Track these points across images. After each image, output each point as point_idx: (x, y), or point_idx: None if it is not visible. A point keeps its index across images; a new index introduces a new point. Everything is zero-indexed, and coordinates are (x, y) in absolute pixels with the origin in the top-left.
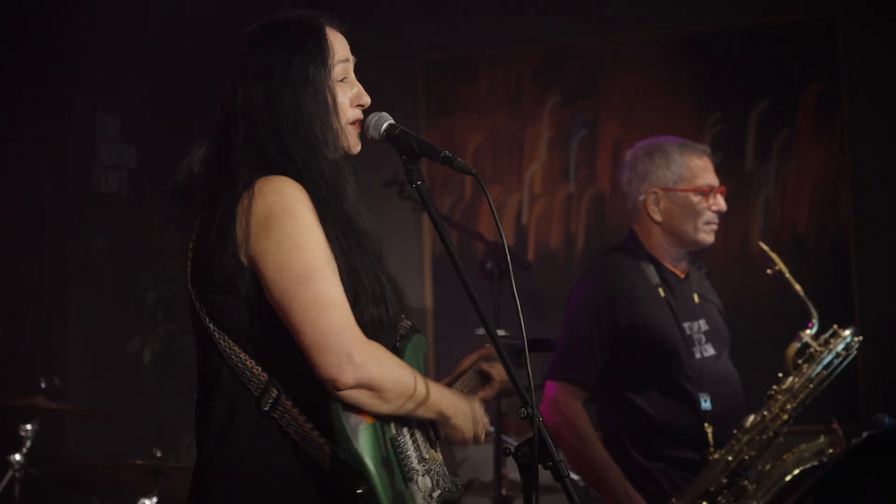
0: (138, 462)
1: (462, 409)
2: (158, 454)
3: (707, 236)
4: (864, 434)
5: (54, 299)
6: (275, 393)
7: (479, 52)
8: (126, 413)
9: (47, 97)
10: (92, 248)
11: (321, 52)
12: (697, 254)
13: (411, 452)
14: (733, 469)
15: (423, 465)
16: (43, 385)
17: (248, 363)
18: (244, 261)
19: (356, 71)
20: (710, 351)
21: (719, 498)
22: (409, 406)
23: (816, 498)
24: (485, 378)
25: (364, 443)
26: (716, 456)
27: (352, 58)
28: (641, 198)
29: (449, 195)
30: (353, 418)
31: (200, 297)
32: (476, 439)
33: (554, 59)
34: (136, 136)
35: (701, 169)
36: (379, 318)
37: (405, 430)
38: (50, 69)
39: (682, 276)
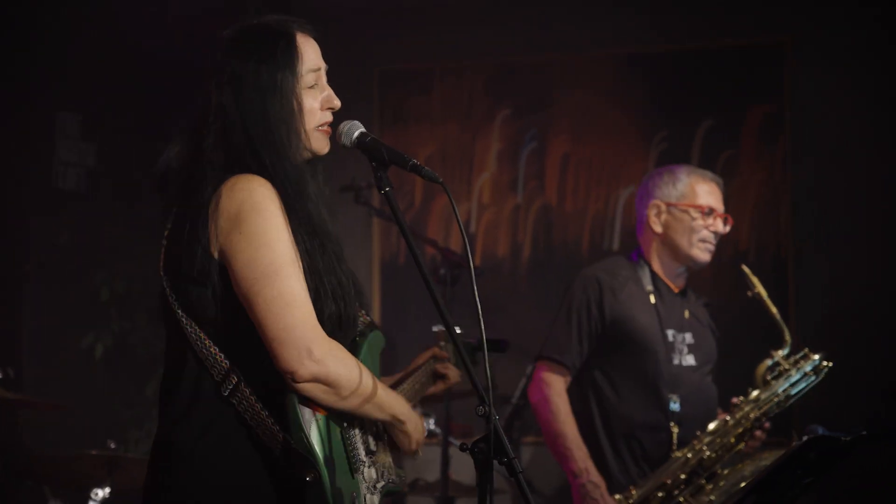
0: (93, 453)
1: (414, 419)
2: (112, 445)
3: (701, 254)
4: (804, 438)
5: (10, 292)
6: (235, 380)
7: (433, 63)
8: (79, 405)
9: (7, 93)
10: (48, 243)
11: (290, 59)
12: (691, 281)
13: (360, 446)
14: (693, 467)
15: (370, 458)
16: (0, 375)
17: (212, 350)
18: (215, 255)
19: (328, 74)
20: (690, 361)
21: (675, 492)
22: (363, 405)
23: (758, 496)
24: (437, 376)
25: (315, 434)
26: (678, 454)
27: (323, 65)
28: (645, 210)
29: (399, 202)
30: (308, 411)
31: (171, 286)
32: (417, 449)
33: (506, 72)
34: (97, 135)
35: (705, 192)
36: (338, 315)
37: (355, 424)
38: (10, 66)
39: (677, 290)
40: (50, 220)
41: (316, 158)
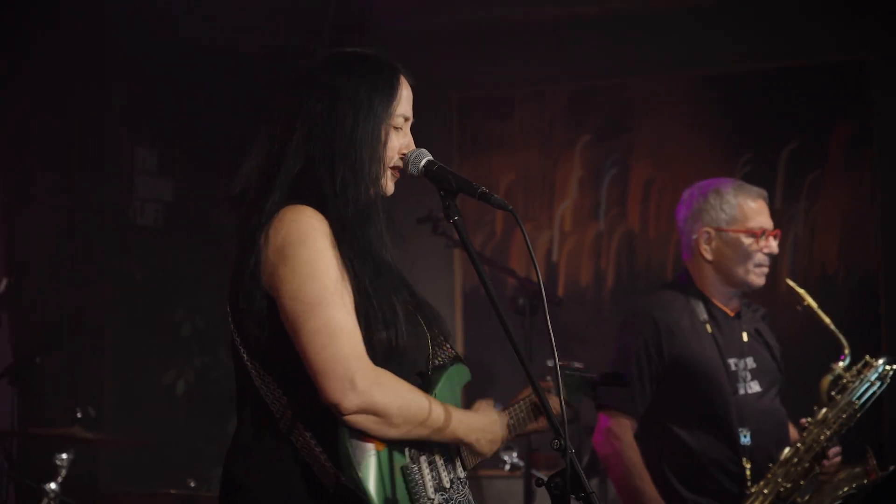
0: (172, 492)
1: (486, 434)
2: (192, 484)
3: (757, 279)
4: (892, 468)
5: (90, 330)
6: (291, 416)
7: (513, 89)
8: (160, 443)
9: (85, 130)
10: (128, 279)
11: (390, 91)
12: (750, 296)
13: (427, 481)
14: (771, 501)
15: (442, 494)
16: (79, 415)
17: (270, 385)
18: (266, 287)
19: (412, 129)
20: (755, 388)
21: None
22: (421, 431)
23: None
24: (538, 410)
25: (367, 469)
26: (753, 489)
27: (412, 116)
28: (694, 236)
29: (480, 232)
30: (359, 445)
31: (233, 318)
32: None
33: (586, 97)
34: (173, 170)
35: (754, 211)
36: (389, 342)
37: (423, 457)
38: (88, 102)
39: (732, 314)
40: (128, 257)
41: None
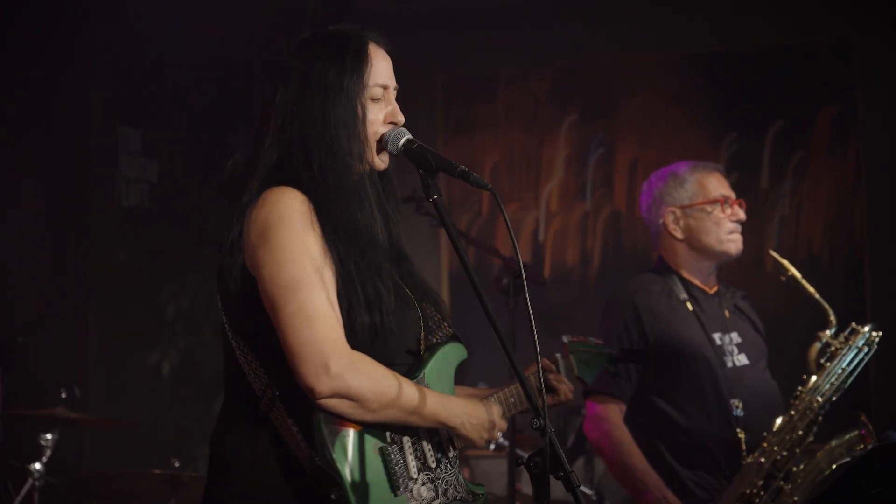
0: (156, 472)
1: (471, 419)
2: (176, 464)
3: (732, 245)
4: (870, 446)
5: (75, 311)
6: (271, 396)
7: (497, 70)
8: (144, 424)
9: (70, 111)
10: (113, 260)
11: (359, 66)
12: (733, 274)
13: (409, 461)
14: (767, 471)
15: (426, 475)
16: (63, 395)
17: (253, 364)
18: (249, 268)
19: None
20: (743, 361)
21: (756, 500)
22: (398, 415)
23: None
24: (547, 390)
25: (341, 450)
26: (749, 460)
27: (392, 83)
28: (661, 220)
29: (466, 212)
30: (333, 426)
31: (221, 297)
32: (488, 441)
33: (571, 78)
34: (158, 150)
35: (713, 184)
36: (372, 325)
37: (405, 439)
38: (72, 84)
39: (711, 291)
40: (114, 238)
41: (380, 172)
